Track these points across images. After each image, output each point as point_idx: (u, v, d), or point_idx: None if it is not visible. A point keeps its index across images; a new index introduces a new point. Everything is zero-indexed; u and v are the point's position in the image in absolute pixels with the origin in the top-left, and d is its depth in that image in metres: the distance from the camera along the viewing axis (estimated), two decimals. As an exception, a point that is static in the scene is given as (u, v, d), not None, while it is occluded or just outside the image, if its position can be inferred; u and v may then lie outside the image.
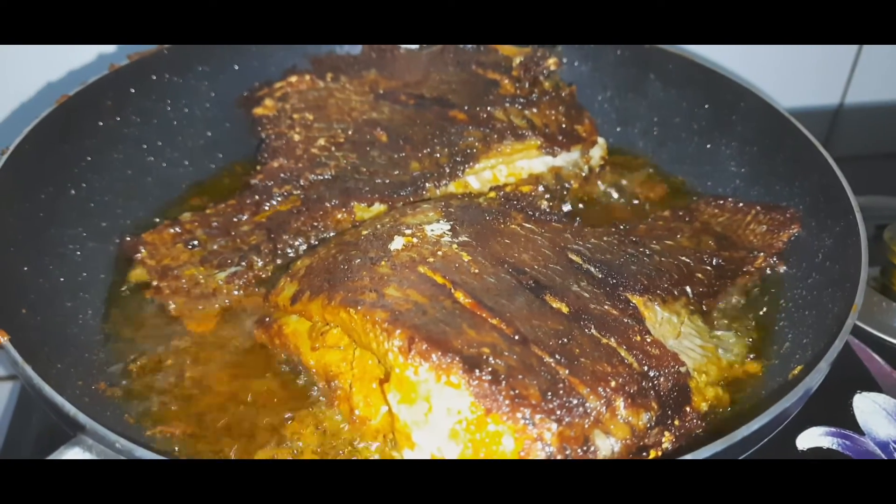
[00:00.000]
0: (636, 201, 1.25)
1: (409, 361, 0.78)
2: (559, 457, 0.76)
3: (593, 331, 0.85)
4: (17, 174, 1.00)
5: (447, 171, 1.14)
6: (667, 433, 0.82)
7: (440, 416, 0.78)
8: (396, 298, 0.84)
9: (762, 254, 1.09)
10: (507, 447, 0.76)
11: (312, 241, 1.09)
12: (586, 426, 0.77)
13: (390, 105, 1.25)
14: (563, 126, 1.24)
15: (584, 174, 1.25)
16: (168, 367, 0.96)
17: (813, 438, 1.01)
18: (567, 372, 0.79)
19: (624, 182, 1.27)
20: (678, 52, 1.30)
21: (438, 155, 1.16)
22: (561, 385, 0.78)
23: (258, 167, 1.17)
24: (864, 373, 1.11)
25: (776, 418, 0.77)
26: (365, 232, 0.98)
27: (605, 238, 1.03)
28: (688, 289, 1.00)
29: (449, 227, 0.96)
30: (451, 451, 0.78)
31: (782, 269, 1.09)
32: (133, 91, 1.20)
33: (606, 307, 0.89)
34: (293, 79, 1.29)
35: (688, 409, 0.84)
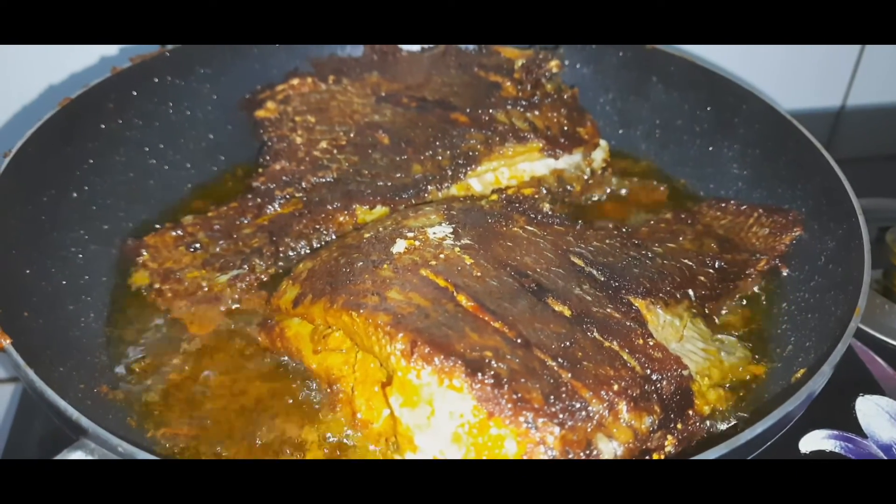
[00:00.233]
0: (638, 204, 1.25)
1: (412, 365, 0.78)
2: (562, 460, 0.76)
3: (596, 334, 0.85)
4: (20, 177, 1.00)
5: (449, 173, 1.14)
6: (669, 437, 0.82)
7: (442, 419, 0.78)
8: (399, 301, 0.84)
9: (765, 257, 1.09)
10: (509, 451, 0.76)
11: (314, 244, 1.09)
12: (589, 430, 0.77)
13: (392, 107, 1.25)
14: (565, 128, 1.24)
15: (586, 177, 1.25)
16: (170, 370, 0.96)
17: (815, 441, 1.01)
18: (569, 375, 0.79)
19: (626, 184, 1.27)
20: (680, 55, 1.30)
21: (440, 157, 1.16)
22: (563, 389, 0.78)
23: (260, 170, 1.17)
24: (866, 375, 1.11)
25: (779, 422, 0.77)
26: (367, 235, 0.98)
27: (607, 241, 1.03)
28: (690, 292, 1.00)
29: (451, 230, 0.96)
30: (454, 455, 0.78)
31: (785, 271, 1.09)
32: (135, 94, 1.20)
33: (609, 310, 0.89)
34: (295, 81, 1.29)
35: (690, 412, 0.84)
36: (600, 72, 1.38)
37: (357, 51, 1.38)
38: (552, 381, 0.78)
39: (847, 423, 1.03)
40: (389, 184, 1.13)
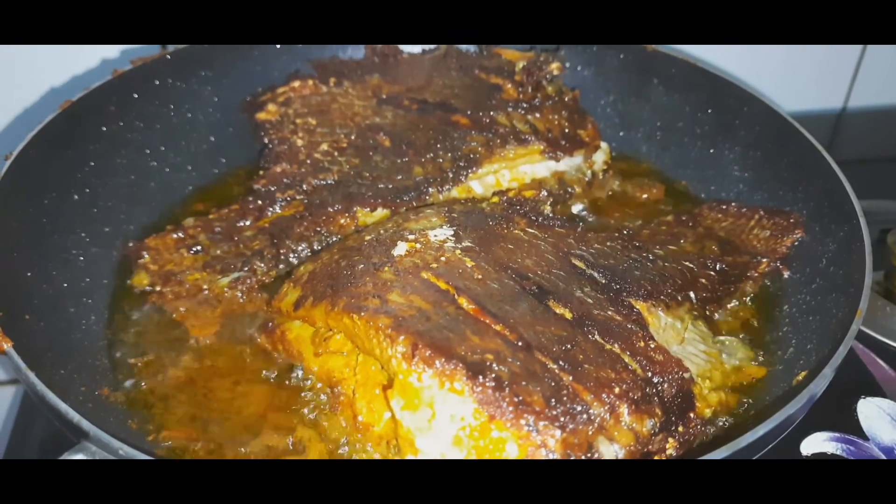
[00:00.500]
0: (639, 206, 1.25)
1: (413, 368, 0.78)
2: (563, 463, 0.76)
3: (597, 337, 0.85)
4: (21, 179, 1.00)
5: (450, 175, 1.14)
6: (671, 439, 0.81)
7: (444, 422, 0.78)
8: (400, 304, 0.84)
9: (766, 259, 1.09)
10: (510, 453, 0.76)
11: (315, 247, 1.09)
12: (590, 433, 0.77)
13: (393, 110, 1.25)
14: (566, 131, 1.24)
15: (587, 179, 1.25)
16: (171, 372, 0.96)
17: (817, 444, 1.01)
18: (571, 378, 0.79)
19: (627, 186, 1.27)
20: (681, 57, 1.30)
21: (441, 160, 1.16)
22: (564, 391, 0.78)
23: (261, 172, 1.17)
24: (867, 378, 1.11)
25: (780, 424, 0.77)
26: (368, 237, 0.97)
27: (608, 243, 1.03)
28: (691, 294, 1.00)
29: (452, 233, 0.96)
30: (455, 458, 0.78)
31: (786, 274, 1.09)
32: (136, 96, 1.20)
33: (610, 313, 0.89)
34: (296, 83, 1.29)
35: (692, 415, 0.84)
36: (601, 74, 1.38)
37: (358, 53, 1.38)
38: (553, 383, 0.78)
39: (848, 425, 1.03)
40: (390, 186, 1.13)
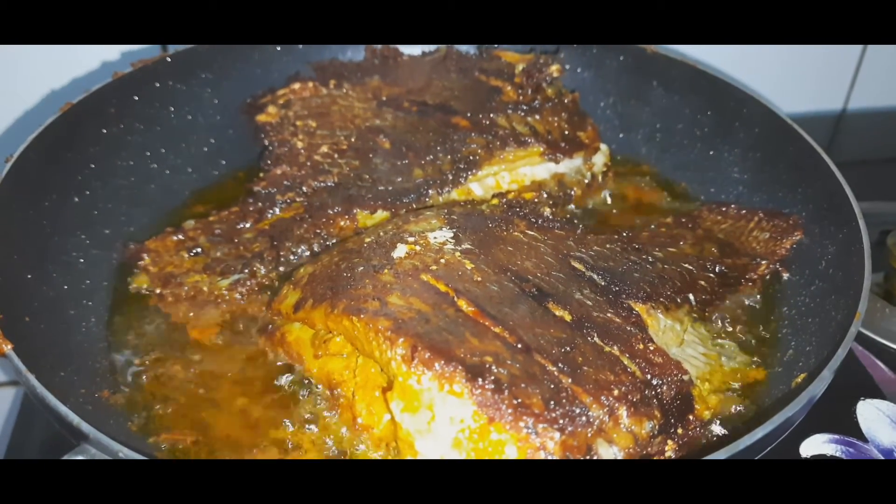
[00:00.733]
0: (638, 208, 1.25)
1: (412, 370, 0.78)
2: (562, 465, 0.76)
3: (596, 339, 0.85)
4: (21, 182, 1.00)
5: (450, 177, 1.14)
6: (670, 441, 0.82)
7: (443, 424, 0.78)
8: (399, 307, 0.84)
9: (765, 261, 1.09)
10: (509, 456, 0.76)
11: (315, 249, 1.09)
12: (589, 435, 0.77)
13: (393, 112, 1.25)
14: (566, 133, 1.24)
15: (586, 181, 1.25)
16: (171, 374, 0.97)
17: (816, 446, 1.01)
18: (570, 381, 0.79)
19: (627, 188, 1.27)
20: (681, 59, 1.30)
21: (441, 162, 1.16)
22: (564, 394, 0.78)
23: (261, 174, 1.17)
24: (867, 379, 1.11)
25: (780, 427, 0.77)
26: (368, 239, 0.98)
27: (607, 245, 1.03)
28: (691, 296, 1.00)
29: (452, 235, 0.96)
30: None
31: (785, 276, 1.09)
32: (136, 98, 1.20)
33: (609, 315, 0.89)
34: (296, 86, 1.29)
35: (691, 417, 0.84)
36: (601, 76, 1.38)
37: (358, 55, 1.38)
38: (552, 386, 0.78)
39: (848, 427, 1.03)
40: (390, 188, 1.13)
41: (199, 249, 1.09)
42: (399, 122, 1.23)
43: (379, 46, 1.37)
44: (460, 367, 0.77)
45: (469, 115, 1.22)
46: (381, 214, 1.11)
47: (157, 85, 1.23)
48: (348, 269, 0.92)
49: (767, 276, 1.09)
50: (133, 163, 1.18)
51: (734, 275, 1.07)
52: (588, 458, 0.77)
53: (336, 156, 1.18)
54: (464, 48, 1.38)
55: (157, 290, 1.05)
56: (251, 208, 1.13)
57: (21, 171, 1.00)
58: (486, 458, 0.77)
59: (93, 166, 1.12)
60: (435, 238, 0.95)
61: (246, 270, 1.07)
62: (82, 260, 1.06)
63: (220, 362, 0.99)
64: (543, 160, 1.20)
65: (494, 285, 0.88)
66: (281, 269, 1.08)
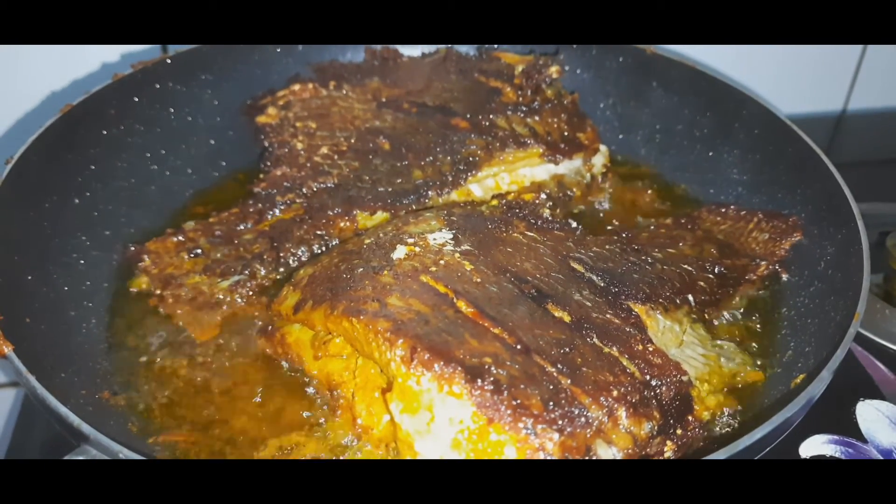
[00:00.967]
0: (638, 209, 1.25)
1: (412, 371, 0.79)
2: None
3: (595, 340, 0.86)
4: (22, 183, 1.00)
5: (450, 179, 1.14)
6: (669, 442, 0.82)
7: (442, 425, 0.78)
8: (399, 308, 0.84)
9: (764, 262, 1.09)
10: (508, 457, 0.76)
11: (315, 250, 1.09)
12: (588, 436, 0.77)
13: (393, 113, 1.25)
14: (566, 134, 1.24)
15: (586, 182, 1.25)
16: (171, 376, 0.97)
17: (816, 447, 1.01)
18: (569, 381, 0.79)
19: (626, 189, 1.28)
20: (680, 60, 1.30)
21: (441, 163, 1.16)
22: (563, 395, 0.78)
23: (261, 175, 1.17)
24: (867, 380, 1.11)
25: (778, 427, 0.77)
26: (367, 241, 0.98)
27: (607, 246, 1.03)
28: (690, 297, 1.00)
29: (451, 236, 0.96)
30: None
31: (784, 277, 1.09)
32: (136, 100, 1.20)
33: (608, 316, 0.90)
34: (296, 87, 1.29)
35: (690, 418, 0.84)
36: (600, 77, 1.38)
37: (358, 56, 1.38)
38: (551, 387, 0.78)
39: (847, 427, 1.03)
40: (390, 189, 1.13)
41: (199, 251, 1.09)
42: (399, 123, 1.24)
43: (379, 47, 1.38)
44: (459, 368, 0.77)
45: (469, 116, 1.23)
46: (381, 215, 1.11)
47: (158, 86, 1.23)
48: (348, 270, 0.92)
49: (767, 277, 1.09)
50: (133, 164, 1.19)
51: (733, 276, 1.07)
52: (587, 458, 0.77)
53: (336, 157, 1.18)
54: (463, 49, 1.38)
55: (158, 292, 1.05)
56: (251, 209, 1.13)
57: (21, 172, 1.00)
58: (486, 458, 0.77)
59: (93, 168, 1.13)
60: (434, 239, 0.95)
61: (246, 272, 1.07)
62: (83, 261, 1.06)
63: (219, 363, 0.99)
64: (543, 161, 1.20)
65: (494, 286, 0.89)
66: (281, 270, 1.08)
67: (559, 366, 0.80)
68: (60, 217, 1.06)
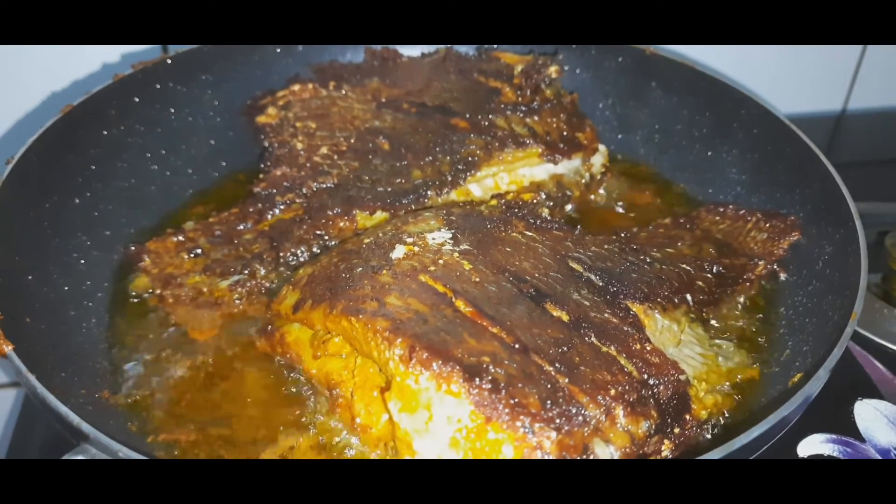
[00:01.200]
0: (637, 209, 1.26)
1: (410, 370, 0.79)
2: (559, 465, 0.76)
3: (593, 339, 0.86)
4: (22, 184, 1.01)
5: (449, 178, 1.15)
6: (666, 441, 0.82)
7: (441, 424, 0.78)
8: (397, 307, 0.84)
9: (763, 261, 1.09)
10: (506, 456, 0.76)
11: (315, 250, 1.09)
12: (586, 434, 0.77)
13: (392, 113, 1.26)
14: (565, 133, 1.24)
15: (585, 182, 1.25)
16: (171, 375, 0.97)
17: (814, 446, 1.01)
18: (567, 380, 0.79)
19: (625, 189, 1.28)
20: (679, 60, 1.31)
21: (440, 163, 1.17)
22: (561, 394, 0.78)
23: (261, 175, 1.17)
24: (865, 379, 1.11)
25: (775, 426, 0.77)
26: (367, 240, 0.98)
27: (605, 246, 1.04)
28: (688, 297, 1.01)
29: (450, 236, 0.96)
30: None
31: (783, 276, 1.09)
32: (137, 100, 1.21)
33: (607, 315, 0.90)
34: (296, 87, 1.30)
35: (687, 417, 0.85)
36: (599, 77, 1.38)
37: (358, 57, 1.39)
38: (549, 386, 0.78)
39: (845, 427, 1.04)
40: (389, 189, 1.13)
41: (199, 251, 1.09)
42: (398, 123, 1.24)
43: (378, 47, 1.38)
44: (458, 367, 0.77)
45: (468, 116, 1.23)
46: (381, 215, 1.11)
47: (158, 87, 1.23)
48: (347, 269, 0.92)
49: (765, 277, 1.09)
50: (133, 164, 1.19)
51: (732, 275, 1.07)
52: (585, 457, 0.77)
53: (335, 157, 1.18)
54: (463, 49, 1.38)
55: (158, 292, 1.06)
56: (251, 209, 1.13)
57: (22, 172, 1.01)
58: (484, 457, 0.77)
59: (93, 168, 1.13)
60: (433, 239, 0.95)
61: (246, 271, 1.07)
62: (83, 261, 1.07)
63: (219, 363, 0.99)
64: (542, 161, 1.21)
65: (492, 286, 0.89)
66: (281, 269, 1.08)
67: (557, 365, 0.80)
68: (61, 217, 1.06)
